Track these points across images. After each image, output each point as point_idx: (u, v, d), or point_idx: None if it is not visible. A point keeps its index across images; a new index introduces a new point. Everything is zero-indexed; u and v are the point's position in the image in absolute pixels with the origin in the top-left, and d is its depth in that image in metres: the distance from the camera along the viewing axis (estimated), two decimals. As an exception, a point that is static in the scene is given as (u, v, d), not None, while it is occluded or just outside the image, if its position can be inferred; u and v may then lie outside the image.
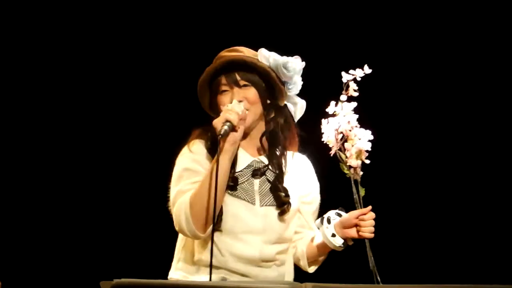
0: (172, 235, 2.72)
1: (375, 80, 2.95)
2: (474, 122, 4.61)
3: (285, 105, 3.03)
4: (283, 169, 2.98)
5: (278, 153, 2.99)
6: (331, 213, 2.99)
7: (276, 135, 2.99)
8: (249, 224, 2.90)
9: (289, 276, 3.03)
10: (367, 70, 2.93)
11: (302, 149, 3.12)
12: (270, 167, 2.96)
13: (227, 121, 2.79)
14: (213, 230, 2.77)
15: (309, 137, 3.05)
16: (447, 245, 4.56)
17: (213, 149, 2.87)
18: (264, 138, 2.98)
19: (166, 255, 2.81)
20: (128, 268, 4.19)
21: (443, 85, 4.63)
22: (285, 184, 2.97)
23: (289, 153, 3.05)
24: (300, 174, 3.06)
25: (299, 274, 3.09)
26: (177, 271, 2.96)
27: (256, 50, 3.00)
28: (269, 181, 2.96)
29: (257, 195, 2.92)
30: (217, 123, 2.81)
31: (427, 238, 4.58)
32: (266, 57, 2.95)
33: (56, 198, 4.63)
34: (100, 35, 4.63)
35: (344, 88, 2.92)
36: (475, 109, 4.61)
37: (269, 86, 2.95)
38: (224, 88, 2.93)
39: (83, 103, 4.66)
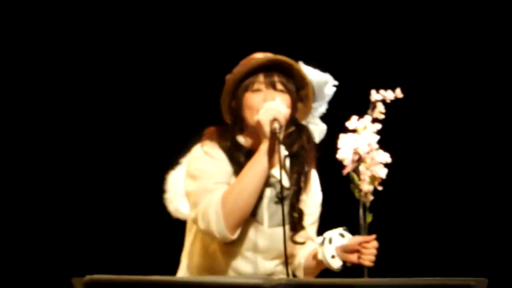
0: (147, 231, 2.69)
1: (401, 102, 2.79)
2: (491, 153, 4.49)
3: (306, 125, 2.92)
4: (304, 190, 2.89)
5: (301, 173, 2.89)
6: (334, 233, 2.86)
7: (300, 154, 2.87)
8: (256, 243, 2.83)
9: None
10: (399, 94, 2.77)
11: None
12: (284, 184, 2.83)
13: (275, 119, 2.69)
14: (284, 229, 2.72)
15: (324, 149, 2.94)
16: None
17: (233, 150, 2.81)
18: (287, 158, 2.87)
19: (141, 252, 2.79)
20: (101, 264, 3.97)
21: (471, 117, 4.53)
22: (303, 204, 2.90)
23: (313, 172, 2.96)
24: (307, 188, 2.95)
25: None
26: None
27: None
28: (279, 199, 2.82)
29: (266, 214, 2.82)
30: (264, 120, 2.69)
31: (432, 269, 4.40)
32: (307, 71, 2.87)
33: (27, 195, 4.54)
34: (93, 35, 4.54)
35: (371, 108, 2.77)
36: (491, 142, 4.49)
37: (301, 99, 2.86)
38: (258, 86, 2.79)
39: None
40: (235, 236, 2.72)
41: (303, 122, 2.90)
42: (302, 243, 2.91)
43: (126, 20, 4.50)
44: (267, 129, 2.69)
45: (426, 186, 4.49)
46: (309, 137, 2.90)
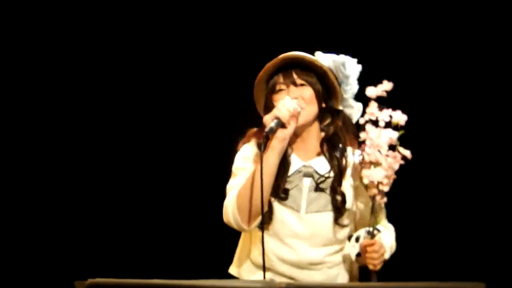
0: (147, 235, 2.61)
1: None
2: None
3: (341, 110, 3.02)
4: (343, 172, 2.97)
5: (338, 155, 2.98)
6: (362, 231, 2.89)
7: (337, 138, 2.99)
8: (295, 229, 2.94)
9: (343, 278, 3.03)
10: (387, 86, 2.73)
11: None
12: (318, 171, 2.96)
13: (276, 117, 2.83)
14: (263, 226, 2.88)
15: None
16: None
17: (265, 147, 2.90)
18: (324, 144, 2.99)
19: (143, 255, 2.75)
20: (103, 268, 4.19)
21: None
22: (343, 187, 2.96)
23: (349, 150, 3.02)
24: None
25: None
26: (233, 268, 3.10)
27: (312, 53, 3.01)
28: (318, 187, 2.96)
29: (304, 202, 2.94)
30: (267, 119, 2.85)
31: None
32: (324, 58, 2.98)
33: (30, 198, 4.53)
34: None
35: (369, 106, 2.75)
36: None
37: (326, 88, 2.97)
38: (280, 87, 2.94)
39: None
40: (252, 227, 2.89)
41: (340, 107, 3.01)
42: (346, 226, 2.97)
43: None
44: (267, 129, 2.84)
45: (423, 187, 4.35)
46: (344, 120, 3.00)
